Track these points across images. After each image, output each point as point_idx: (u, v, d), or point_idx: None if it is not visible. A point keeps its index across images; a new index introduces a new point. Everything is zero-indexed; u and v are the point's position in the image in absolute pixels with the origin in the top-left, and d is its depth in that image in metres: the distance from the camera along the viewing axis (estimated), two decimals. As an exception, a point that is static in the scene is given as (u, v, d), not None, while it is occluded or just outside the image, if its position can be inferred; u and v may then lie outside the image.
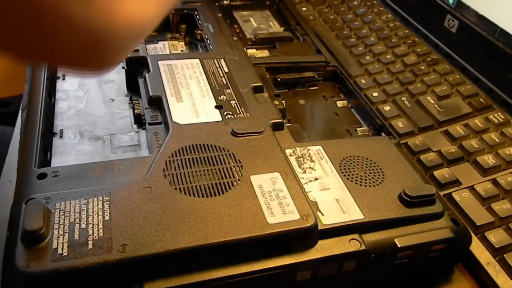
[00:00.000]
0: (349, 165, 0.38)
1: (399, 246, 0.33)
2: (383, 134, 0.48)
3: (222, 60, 0.49)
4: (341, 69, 0.55)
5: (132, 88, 0.47)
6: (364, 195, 0.35)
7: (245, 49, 0.55)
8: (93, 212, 0.30)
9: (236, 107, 0.42)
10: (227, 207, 0.32)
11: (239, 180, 0.34)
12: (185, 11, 0.59)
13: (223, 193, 0.33)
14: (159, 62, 0.47)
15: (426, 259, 0.35)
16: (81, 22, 0.21)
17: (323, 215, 0.33)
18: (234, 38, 0.55)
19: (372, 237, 0.33)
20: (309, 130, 0.48)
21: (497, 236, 0.37)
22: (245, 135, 0.38)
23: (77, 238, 0.29)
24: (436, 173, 0.42)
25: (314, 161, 0.38)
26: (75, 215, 0.30)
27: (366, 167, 0.38)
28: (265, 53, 0.58)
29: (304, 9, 0.68)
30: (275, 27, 0.65)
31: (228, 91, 0.44)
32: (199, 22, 0.58)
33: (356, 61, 0.57)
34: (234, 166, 0.35)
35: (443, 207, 0.35)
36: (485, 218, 0.38)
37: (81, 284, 0.28)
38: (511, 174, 0.42)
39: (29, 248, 0.28)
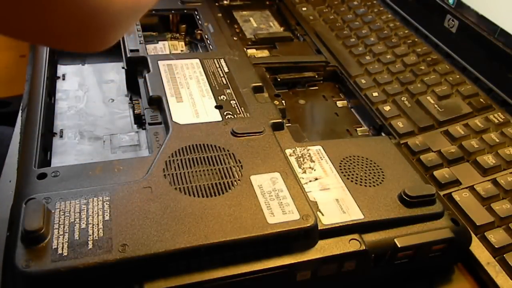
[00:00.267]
0: (349, 165, 0.38)
1: (399, 246, 0.33)
2: (383, 134, 0.48)
3: (222, 60, 0.49)
4: (341, 69, 0.55)
5: (132, 88, 0.47)
6: (364, 195, 0.35)
7: (245, 49, 0.55)
8: (93, 212, 0.30)
9: (236, 107, 0.42)
10: (227, 207, 0.32)
11: (239, 180, 0.34)
12: (185, 11, 0.59)
13: (223, 193, 0.33)
14: (159, 62, 0.47)
15: (426, 259, 0.35)
16: None
17: (323, 215, 0.33)
18: (234, 38, 0.55)
19: (372, 237, 0.33)
20: (309, 130, 0.48)
21: (497, 236, 0.37)
22: (245, 135, 0.38)
23: (77, 238, 0.29)
24: (436, 173, 0.42)
25: (314, 161, 0.38)
26: (75, 215, 0.30)
27: (366, 167, 0.38)
28: (265, 53, 0.58)
29: (304, 9, 0.68)
30: (275, 27, 0.65)
31: (228, 91, 0.44)
32: (199, 22, 0.58)
33: (356, 61, 0.57)
34: (234, 166, 0.35)
35: (443, 207, 0.35)
36: (485, 218, 0.38)
37: (81, 284, 0.28)
38: (511, 174, 0.42)
39: (29, 248, 0.28)
